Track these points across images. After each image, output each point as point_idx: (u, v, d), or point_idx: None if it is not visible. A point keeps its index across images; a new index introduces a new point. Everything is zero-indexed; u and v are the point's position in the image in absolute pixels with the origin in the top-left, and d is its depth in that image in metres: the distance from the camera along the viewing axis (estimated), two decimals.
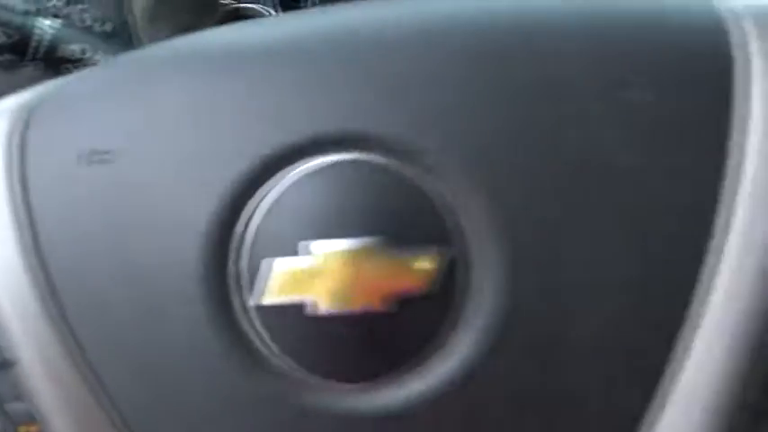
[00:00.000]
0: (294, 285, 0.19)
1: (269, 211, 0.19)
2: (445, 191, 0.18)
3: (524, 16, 0.19)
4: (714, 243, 0.17)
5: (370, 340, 0.19)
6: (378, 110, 0.19)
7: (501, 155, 0.18)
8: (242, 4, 0.55)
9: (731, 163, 0.17)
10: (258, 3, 0.55)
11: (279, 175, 0.19)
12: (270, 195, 0.19)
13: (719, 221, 0.17)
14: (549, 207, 0.18)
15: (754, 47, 0.18)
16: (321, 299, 0.19)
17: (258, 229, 0.19)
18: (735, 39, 0.18)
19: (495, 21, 0.19)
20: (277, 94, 0.20)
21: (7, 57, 0.35)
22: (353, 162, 0.19)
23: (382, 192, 0.19)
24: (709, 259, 0.17)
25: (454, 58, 0.19)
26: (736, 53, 0.18)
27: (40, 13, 0.37)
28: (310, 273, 0.19)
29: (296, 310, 0.19)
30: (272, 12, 0.54)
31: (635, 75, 0.18)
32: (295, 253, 0.19)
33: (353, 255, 0.18)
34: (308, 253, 0.19)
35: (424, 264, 0.18)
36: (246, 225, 0.19)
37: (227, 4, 0.55)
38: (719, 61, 0.18)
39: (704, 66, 0.18)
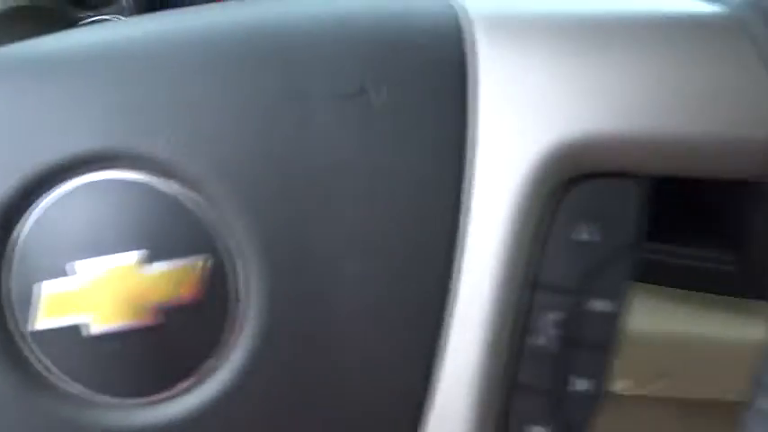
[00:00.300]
0: (65, 307, 0.19)
1: (34, 233, 0.19)
2: (202, 202, 0.19)
3: (269, 25, 0.20)
4: (458, 241, 0.18)
5: (147, 355, 0.19)
6: (133, 126, 0.19)
7: (250, 164, 0.18)
8: (99, 17, 0.54)
9: (467, 170, 0.18)
10: (121, 15, 0.54)
11: (43, 196, 0.19)
12: (32, 217, 0.19)
13: (461, 221, 0.18)
14: (301, 212, 0.18)
15: (482, 54, 0.19)
16: (93, 318, 0.19)
17: (25, 252, 0.19)
18: (467, 45, 0.19)
19: (240, 31, 0.20)
20: (41, 109, 0.19)
21: None
22: (112, 180, 0.19)
23: (143, 207, 0.19)
24: (456, 255, 0.18)
25: (202, 70, 0.19)
26: (469, 61, 0.19)
27: None
28: (79, 293, 0.19)
29: (71, 331, 0.19)
30: None
31: (374, 82, 0.18)
32: (63, 274, 0.19)
33: (120, 272, 0.18)
34: (76, 273, 0.19)
35: (189, 275, 0.18)
36: (14, 250, 0.19)
37: (83, 17, 0.53)
38: (452, 69, 0.18)
39: (438, 74, 0.19)
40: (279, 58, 0.19)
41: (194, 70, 0.19)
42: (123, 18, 0.54)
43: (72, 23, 0.54)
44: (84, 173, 0.19)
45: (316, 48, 0.19)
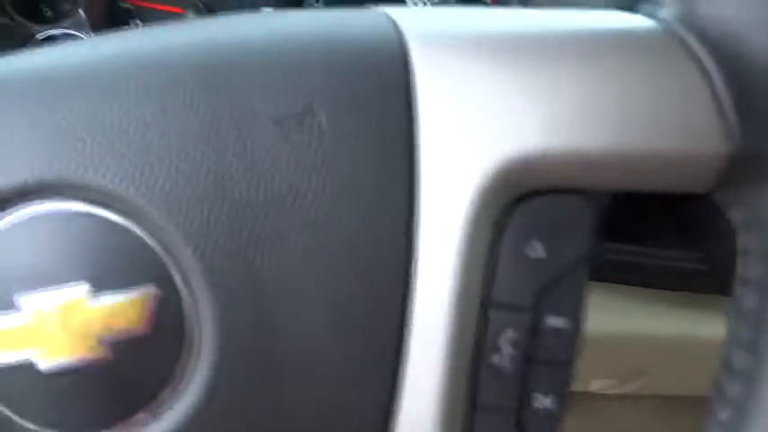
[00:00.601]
0: (11, 343, 0.18)
1: None
2: (147, 232, 0.18)
3: (210, 49, 0.19)
4: (411, 263, 0.18)
5: (99, 389, 0.18)
6: (77, 156, 0.18)
7: (193, 191, 0.18)
8: (57, 30, 0.53)
9: (416, 190, 0.18)
10: (78, 28, 0.53)
11: None
12: None
13: (414, 243, 0.18)
14: (248, 239, 0.18)
15: (419, 73, 0.18)
16: (42, 354, 0.18)
17: None
18: (410, 65, 0.18)
19: (181, 55, 0.19)
20: None
21: None
22: (56, 211, 0.18)
23: (88, 239, 0.18)
24: (410, 277, 0.18)
25: (144, 96, 0.18)
26: (412, 83, 0.18)
27: None
28: (26, 329, 0.18)
29: (20, 368, 0.18)
30: (88, 36, 0.52)
31: (318, 105, 0.18)
32: (9, 308, 0.18)
33: (67, 305, 0.18)
34: (20, 308, 0.18)
35: (138, 307, 0.18)
36: None
37: (40, 30, 0.53)
38: (396, 90, 0.18)
39: (382, 95, 0.18)
40: (220, 83, 0.18)
41: (136, 95, 0.18)
42: (77, 33, 0.53)
43: (29, 37, 0.53)
44: (25, 203, 0.18)
45: (258, 72, 0.18)
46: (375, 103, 0.18)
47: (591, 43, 0.19)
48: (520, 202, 0.18)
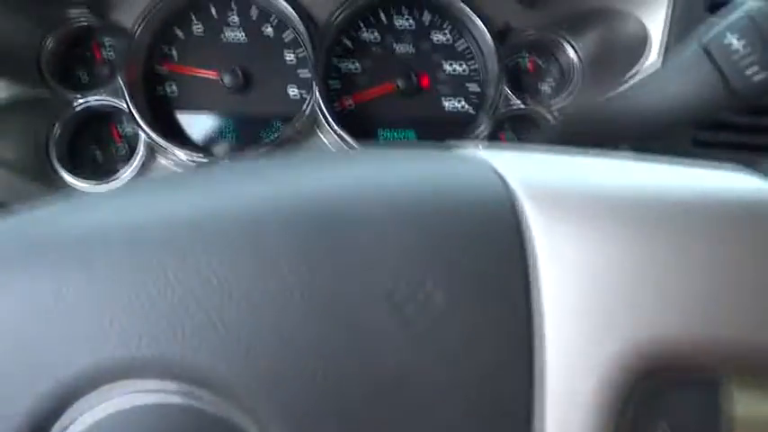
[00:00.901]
0: None
1: None
2: (244, 418, 0.17)
3: (318, 218, 0.18)
4: None
5: None
6: (167, 332, 0.17)
7: (296, 373, 0.17)
8: (93, 98, 0.52)
9: (536, 369, 0.17)
10: (115, 96, 0.53)
11: (73, 408, 0.17)
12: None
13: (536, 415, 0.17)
14: (353, 427, 0.17)
15: (538, 251, 0.17)
16: None
17: None
18: (526, 239, 0.18)
19: (284, 221, 0.18)
20: (64, 316, 0.18)
21: None
22: (152, 396, 0.17)
23: (182, 427, 0.17)
24: None
25: (242, 287, 0.17)
26: (530, 258, 0.17)
27: None
28: None
29: None
30: (123, 103, 0.52)
31: (433, 277, 0.17)
32: None
33: None
34: None
35: None
36: None
37: (78, 98, 0.52)
38: (511, 263, 0.17)
39: (497, 266, 0.17)
40: (322, 251, 0.17)
41: (229, 262, 0.17)
42: (114, 102, 0.53)
43: (65, 107, 0.53)
44: (116, 385, 0.17)
45: (369, 247, 0.17)
46: (492, 277, 0.17)
47: (720, 216, 0.18)
48: (647, 384, 0.17)
